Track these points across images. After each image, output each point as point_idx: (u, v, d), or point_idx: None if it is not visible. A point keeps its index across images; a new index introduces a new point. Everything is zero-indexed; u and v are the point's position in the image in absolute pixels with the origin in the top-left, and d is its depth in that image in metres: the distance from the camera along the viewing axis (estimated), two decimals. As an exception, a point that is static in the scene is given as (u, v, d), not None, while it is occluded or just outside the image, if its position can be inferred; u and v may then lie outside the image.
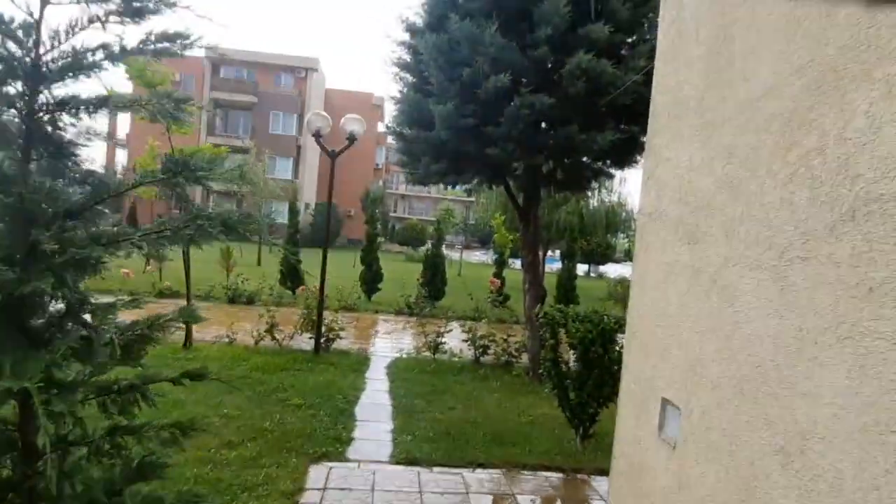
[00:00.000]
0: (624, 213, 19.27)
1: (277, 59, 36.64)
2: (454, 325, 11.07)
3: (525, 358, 7.49)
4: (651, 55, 3.15)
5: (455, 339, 8.26)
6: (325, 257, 7.41)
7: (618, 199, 19.27)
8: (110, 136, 43.13)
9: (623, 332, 3.74)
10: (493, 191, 17.16)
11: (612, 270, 32.69)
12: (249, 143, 38.42)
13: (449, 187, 8.87)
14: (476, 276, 22.95)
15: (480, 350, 7.64)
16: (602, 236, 20.71)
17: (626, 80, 5.53)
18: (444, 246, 30.95)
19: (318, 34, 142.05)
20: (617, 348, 4.63)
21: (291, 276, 12.78)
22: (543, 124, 6.15)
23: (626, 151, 6.46)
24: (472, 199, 46.48)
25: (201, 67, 40.01)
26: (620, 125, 5.81)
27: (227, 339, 7.48)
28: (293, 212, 13.48)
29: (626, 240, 25.50)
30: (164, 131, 5.50)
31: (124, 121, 42.53)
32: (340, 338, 7.74)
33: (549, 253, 36.02)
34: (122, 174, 2.46)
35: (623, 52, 6.02)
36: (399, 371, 6.85)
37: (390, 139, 7.35)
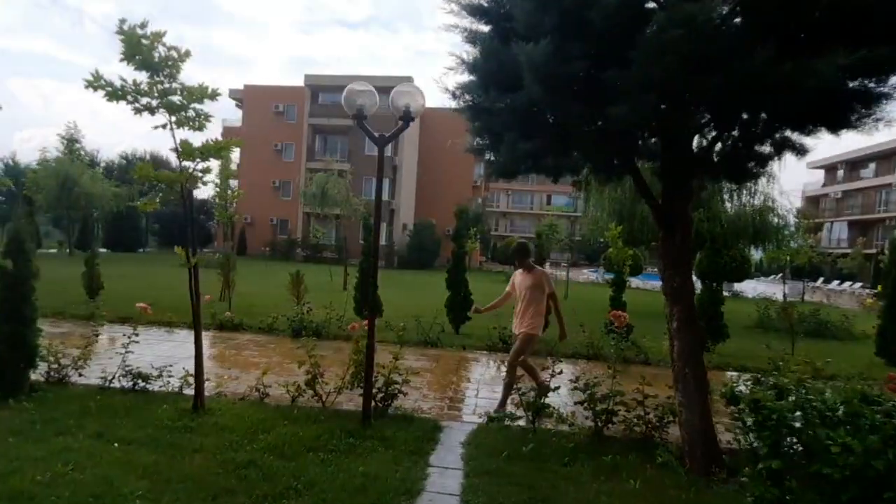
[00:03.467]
0: (776, 219, 15.54)
1: (372, 80, 36.20)
2: (564, 366, 8.65)
3: (674, 431, 4.94)
4: None
5: (565, 389, 5.90)
6: (366, 274, 5.43)
7: (763, 200, 15.63)
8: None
9: None
10: (606, 191, 14.52)
11: (748, 289, 28.05)
12: (346, 165, 38.56)
13: (547, 182, 6.62)
14: (586, 297, 20.05)
15: (604, 418, 5.19)
16: (745, 248, 17.01)
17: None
18: (547, 264, 28.21)
19: (408, 54, 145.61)
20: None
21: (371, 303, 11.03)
22: (699, 60, 3.71)
23: (854, 99, 3.83)
24: (579, 213, 43.19)
25: (302, 96, 41.05)
26: (856, 46, 3.22)
27: (257, 394, 5.71)
28: (367, 229, 11.75)
29: (764, 252, 21.31)
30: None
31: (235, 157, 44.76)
32: (403, 393, 5.65)
33: (648, 268, 31.96)
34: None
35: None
36: (481, 454, 4.60)
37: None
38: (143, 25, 4.85)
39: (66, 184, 30.04)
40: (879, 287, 28.92)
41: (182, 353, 7.85)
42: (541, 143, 4.21)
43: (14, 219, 5.67)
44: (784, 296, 23.10)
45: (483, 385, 7.23)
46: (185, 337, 9.24)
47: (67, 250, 32.51)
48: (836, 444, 2.44)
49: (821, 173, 60.56)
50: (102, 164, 51.61)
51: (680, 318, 4.69)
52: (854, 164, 54.62)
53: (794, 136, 4.68)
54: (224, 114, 61.39)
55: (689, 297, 4.85)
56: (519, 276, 6.23)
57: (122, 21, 4.89)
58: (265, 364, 7.54)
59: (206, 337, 9.33)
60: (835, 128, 4.26)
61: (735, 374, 9.10)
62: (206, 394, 5.72)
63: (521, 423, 5.40)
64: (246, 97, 42.66)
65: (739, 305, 16.71)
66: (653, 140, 4.78)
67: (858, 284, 38.13)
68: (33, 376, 5.60)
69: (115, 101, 5.00)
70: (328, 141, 41.36)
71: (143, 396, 5.55)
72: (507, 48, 4.19)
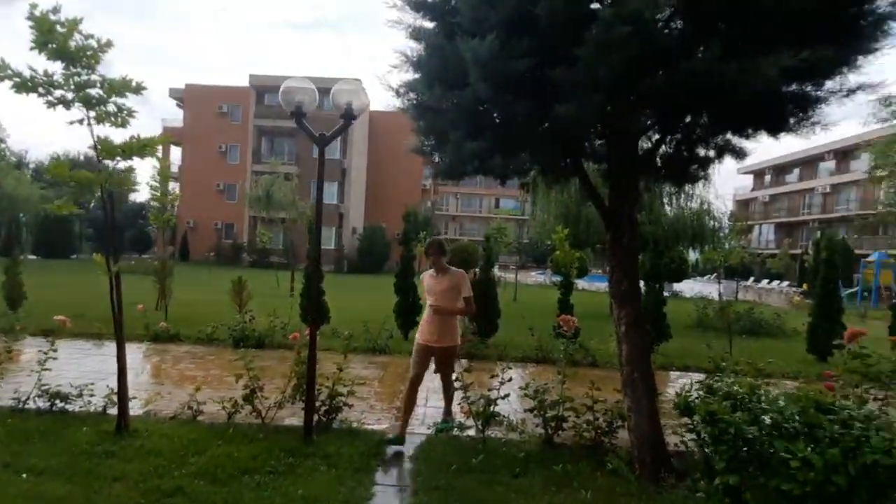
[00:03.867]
0: (712, 221, 16.13)
1: (320, 82, 35.42)
2: (513, 372, 8.57)
3: (623, 436, 4.90)
4: None
5: (515, 396, 5.79)
6: (312, 280, 5.14)
7: (700, 204, 16.21)
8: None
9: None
10: (553, 194, 14.63)
11: (685, 288, 29.13)
12: (293, 168, 37.63)
13: (496, 184, 6.47)
14: (535, 300, 20.23)
15: (553, 424, 5.10)
16: (684, 249, 17.59)
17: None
18: (497, 267, 28.34)
19: (360, 57, 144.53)
20: None
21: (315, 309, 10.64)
22: (644, 59, 3.67)
23: (793, 102, 3.90)
24: (527, 216, 43.81)
25: (247, 97, 39.78)
26: (802, 45, 3.24)
27: (190, 412, 5.30)
28: (311, 232, 11.33)
29: (700, 253, 22.17)
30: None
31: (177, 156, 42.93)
32: (348, 406, 5.39)
33: (594, 270, 32.82)
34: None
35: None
36: (429, 469, 4.40)
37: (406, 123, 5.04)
38: (55, 10, 4.42)
39: (-12, 186, 27.89)
40: (805, 285, 30.80)
41: (109, 369, 7.25)
42: (487, 142, 4.07)
43: None
44: (720, 295, 24.08)
45: (432, 393, 7.03)
46: (115, 351, 8.59)
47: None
48: (796, 458, 2.40)
49: (750, 178, 64.08)
50: (32, 166, 48.36)
51: (628, 322, 4.66)
52: (780, 170, 58.07)
53: (735, 140, 4.77)
54: (165, 114, 58.68)
55: (636, 301, 4.83)
56: (431, 279, 5.30)
57: (33, 6, 4.45)
58: (201, 378, 7.09)
59: (139, 350, 8.73)
60: (774, 131, 4.33)
61: (678, 373, 9.30)
62: (133, 413, 5.28)
63: (471, 432, 5.24)
64: (187, 97, 40.97)
65: (679, 305, 17.24)
66: (599, 142, 4.75)
67: (786, 283, 40.39)
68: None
69: (24, 93, 4.54)
70: (275, 143, 40.30)
71: (61, 418, 5.05)
72: (452, 44, 4.04)
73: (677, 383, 8.75)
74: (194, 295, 15.14)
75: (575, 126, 3.74)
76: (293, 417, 5.39)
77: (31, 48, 4.51)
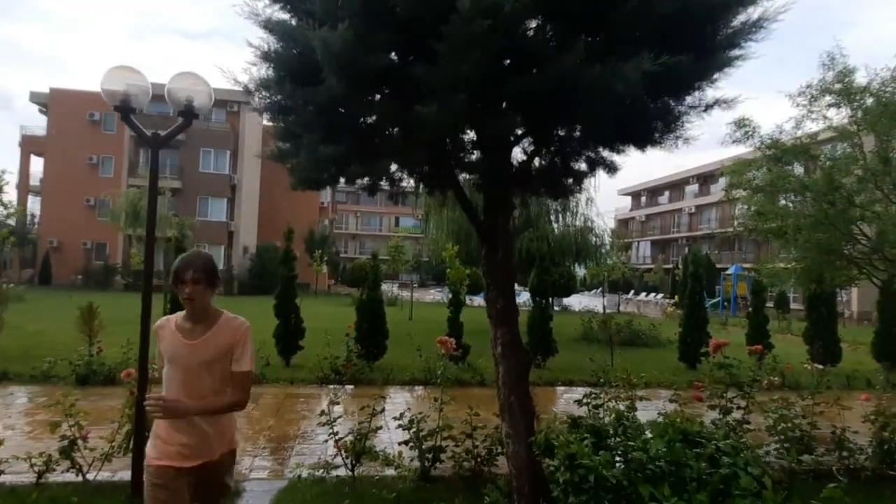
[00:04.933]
0: (595, 238, 16.84)
1: (222, 94, 33.40)
2: (400, 396, 8.13)
3: (503, 463, 4.60)
4: None
5: (394, 424, 5.31)
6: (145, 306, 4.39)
7: (584, 221, 16.89)
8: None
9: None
10: (445, 212, 14.55)
11: (574, 302, 30.42)
12: (177, 182, 34.89)
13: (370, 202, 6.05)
14: (430, 318, 19.94)
15: (430, 456, 4.69)
16: (571, 265, 18.22)
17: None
18: (397, 286, 27.79)
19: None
20: None
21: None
22: (511, 60, 3.45)
23: (660, 115, 3.87)
24: (422, 234, 43.94)
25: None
26: (661, 52, 3.15)
27: (-15, 474, 4.27)
28: (179, 251, 10.20)
29: (586, 268, 23.25)
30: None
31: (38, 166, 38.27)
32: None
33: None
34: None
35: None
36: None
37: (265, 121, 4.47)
38: None
39: None
40: (676, 297, 33.41)
41: None
42: (345, 146, 3.64)
43: None
44: (604, 308, 25.36)
45: (304, 426, 6.38)
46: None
47: None
48: (662, 505, 2.16)
49: (628, 199, 69.43)
50: None
51: (504, 342, 4.39)
52: (654, 192, 63.45)
53: (606, 154, 4.73)
54: (28, 121, 52.31)
55: (513, 320, 4.57)
56: (178, 335, 2.52)
57: None
58: (22, 426, 5.92)
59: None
60: (641, 143, 4.30)
61: (564, 388, 9.34)
62: None
63: (341, 471, 4.69)
64: (53, 102, 36.61)
65: (567, 319, 17.78)
66: (473, 153, 4.50)
67: (661, 295, 43.70)
68: None
69: None
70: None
71: None
72: (304, 35, 3.59)
73: (563, 398, 8.76)
74: (43, 325, 13.18)
75: (437, 129, 3.41)
76: (125, 471, 4.52)
77: None
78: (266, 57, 3.93)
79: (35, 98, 38.44)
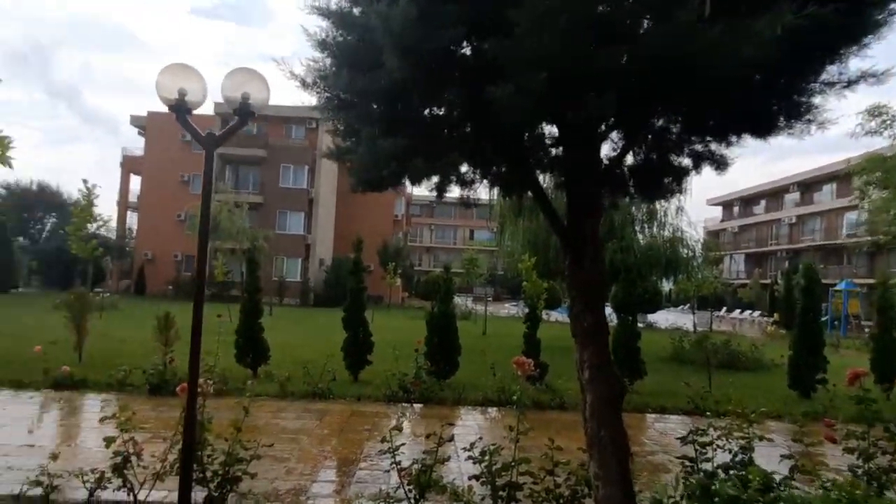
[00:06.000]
0: (685, 250, 15.53)
1: (287, 111, 34.87)
2: (471, 418, 7.56)
3: (590, 508, 3.92)
4: None
5: (464, 453, 4.75)
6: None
7: (672, 232, 15.63)
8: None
9: None
10: (521, 223, 13.90)
11: (660, 319, 28.53)
12: (259, 197, 36.45)
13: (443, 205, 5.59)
14: (505, 332, 19.23)
15: (505, 494, 4.09)
16: (658, 278, 16.94)
17: None
18: (470, 299, 27.32)
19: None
20: None
21: (252, 348, 9.51)
22: (602, 28, 2.86)
23: (786, 94, 3.14)
24: (497, 247, 43.29)
25: (212, 125, 38.76)
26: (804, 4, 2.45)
27: (40, 490, 4.13)
28: (251, 263, 10.24)
29: (674, 282, 21.66)
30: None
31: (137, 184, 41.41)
32: (250, 475, 4.28)
33: (567, 302, 32.08)
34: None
35: None
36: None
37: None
38: None
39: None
40: (776, 315, 30.56)
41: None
42: (408, 140, 3.17)
43: None
44: (694, 326, 23.52)
45: (368, 448, 5.96)
46: (6, 401, 7.32)
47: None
48: None
49: (719, 210, 65.06)
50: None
51: (592, 366, 3.73)
52: (748, 201, 59.04)
53: (714, 146, 3.99)
54: (128, 143, 56.98)
55: (602, 339, 3.91)
56: None
57: None
58: (89, 437, 5.90)
59: (30, 400, 7.44)
60: (761, 131, 3.55)
61: (655, 416, 8.39)
62: (-36, 491, 4.12)
63: (405, 505, 4.18)
64: (150, 125, 39.59)
65: (653, 337, 16.47)
66: (553, 147, 3.91)
67: (758, 313, 40.33)
68: None
69: None
70: (240, 172, 39.07)
71: None
72: (362, 15, 3.19)
73: (654, 428, 7.83)
74: (129, 332, 13.78)
75: (513, 115, 2.87)
76: (176, 492, 4.26)
77: None
78: (322, 45, 3.57)
79: (135, 122, 41.73)
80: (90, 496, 4.08)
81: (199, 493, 4.02)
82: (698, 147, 4.01)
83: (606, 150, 4.09)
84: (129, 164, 42.72)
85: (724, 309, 43.20)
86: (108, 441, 4.18)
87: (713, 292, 23.24)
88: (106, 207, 64.45)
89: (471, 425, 7.16)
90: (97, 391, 8.00)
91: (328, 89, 3.65)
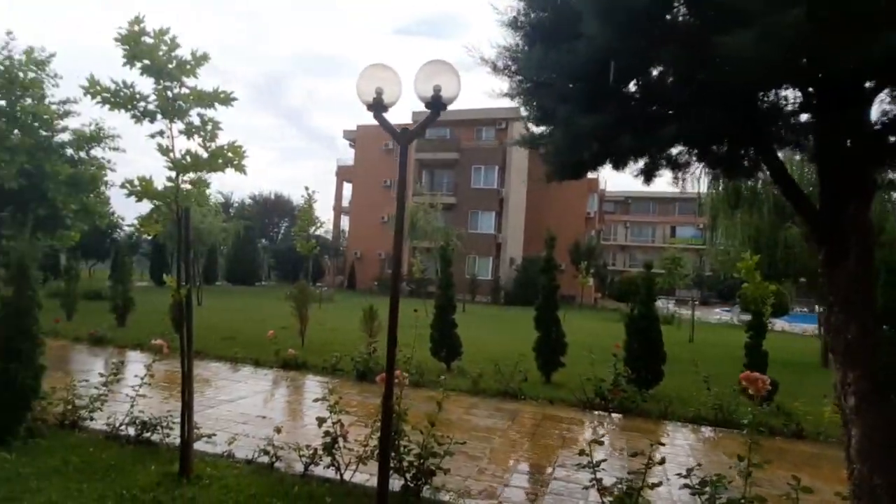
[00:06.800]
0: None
1: (478, 114, 35.98)
2: (681, 436, 6.74)
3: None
4: None
5: (676, 470, 4.12)
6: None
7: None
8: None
9: None
10: (738, 216, 12.14)
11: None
12: (452, 199, 38.23)
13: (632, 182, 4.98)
14: (716, 341, 17.11)
15: (730, 538, 3.40)
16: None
17: None
18: (672, 302, 25.02)
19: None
20: None
21: (446, 343, 9.80)
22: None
23: None
24: (705, 245, 38.90)
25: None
26: None
27: (266, 458, 4.63)
28: (444, 260, 10.55)
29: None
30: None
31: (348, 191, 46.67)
32: (443, 470, 4.25)
33: (798, 308, 26.47)
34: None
35: None
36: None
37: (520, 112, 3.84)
38: (137, 21, 4.17)
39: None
40: None
41: (220, 396, 7.14)
42: (611, 115, 2.75)
43: (19, 241, 5.17)
44: None
45: (563, 456, 5.58)
46: (247, 376, 8.62)
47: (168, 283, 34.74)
48: None
49: None
50: (235, 205, 56.34)
51: (859, 391, 2.88)
52: None
53: None
54: (342, 155, 64.66)
55: (872, 356, 3.01)
56: None
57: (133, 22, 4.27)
58: (307, 413, 6.55)
59: (265, 377, 8.63)
60: None
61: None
62: (211, 451, 4.81)
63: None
64: (358, 137, 44.33)
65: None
66: (795, 112, 3.11)
67: None
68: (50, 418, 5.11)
69: (115, 110, 4.36)
70: (435, 175, 41.49)
71: (139, 451, 4.72)
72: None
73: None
74: (341, 322, 15.35)
75: (750, 72, 2.26)
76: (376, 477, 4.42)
77: (123, 64, 4.34)
78: (514, 24, 3.33)
79: (346, 135, 46.95)
80: (305, 470, 4.45)
81: (396, 482, 4.11)
82: None
83: (876, 114, 3.16)
84: (342, 173, 48.22)
85: None
86: (320, 421, 4.53)
87: None
88: (324, 212, 73.92)
89: (681, 444, 6.32)
90: (314, 373, 8.97)
91: (520, 71, 3.40)
